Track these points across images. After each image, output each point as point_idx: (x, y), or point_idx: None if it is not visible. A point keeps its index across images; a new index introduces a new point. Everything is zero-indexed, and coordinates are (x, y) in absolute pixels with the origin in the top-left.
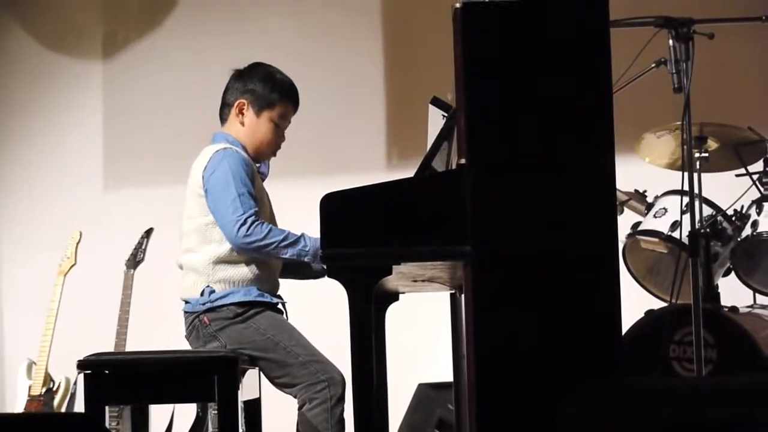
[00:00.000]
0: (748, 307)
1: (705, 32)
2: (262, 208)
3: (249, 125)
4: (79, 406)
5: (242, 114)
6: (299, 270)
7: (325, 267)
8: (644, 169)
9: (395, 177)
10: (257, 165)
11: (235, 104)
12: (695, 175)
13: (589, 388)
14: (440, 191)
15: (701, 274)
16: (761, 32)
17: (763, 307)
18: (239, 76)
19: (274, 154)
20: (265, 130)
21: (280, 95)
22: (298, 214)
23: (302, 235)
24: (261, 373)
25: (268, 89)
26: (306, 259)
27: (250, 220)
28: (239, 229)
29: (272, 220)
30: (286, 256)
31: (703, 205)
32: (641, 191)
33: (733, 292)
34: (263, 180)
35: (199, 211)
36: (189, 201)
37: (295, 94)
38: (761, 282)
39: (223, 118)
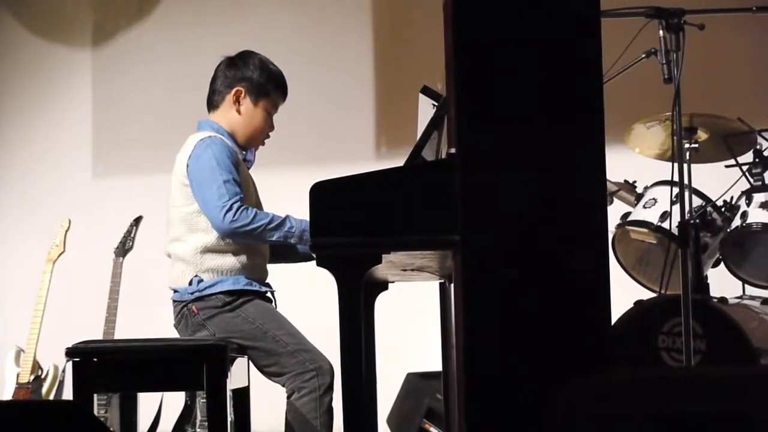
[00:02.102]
0: (737, 298)
1: (695, 23)
2: (247, 196)
3: (246, 113)
4: (68, 394)
5: (239, 102)
6: (286, 254)
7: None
8: (634, 160)
9: (384, 166)
10: (243, 153)
11: (232, 92)
12: (685, 165)
13: (579, 378)
14: (430, 180)
15: (691, 264)
16: (751, 23)
17: (752, 298)
18: (232, 63)
19: (263, 143)
20: (260, 119)
21: (274, 86)
22: (287, 203)
23: (287, 216)
24: (250, 361)
25: (264, 78)
26: (292, 241)
27: (236, 206)
28: (225, 214)
29: (258, 207)
30: (273, 238)
31: (693, 196)
32: (631, 182)
33: (722, 283)
34: (249, 168)
35: (183, 201)
36: (174, 190)
37: (286, 86)
38: (750, 273)
39: (214, 105)
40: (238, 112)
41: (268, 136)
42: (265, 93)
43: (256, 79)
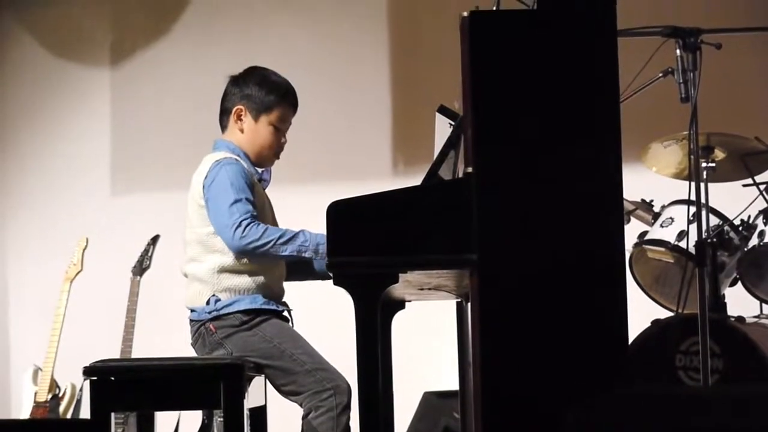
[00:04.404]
0: (754, 317)
1: (712, 42)
2: (263, 216)
3: (248, 131)
4: (85, 413)
5: (240, 120)
6: (303, 271)
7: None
8: (651, 179)
9: (401, 185)
10: (260, 171)
11: (233, 111)
12: (702, 184)
13: (596, 397)
14: (447, 199)
15: (708, 283)
16: None
17: None
18: (235, 81)
19: (277, 157)
20: (265, 135)
21: (277, 98)
22: (304, 221)
23: (301, 231)
24: (267, 380)
25: (264, 93)
26: (307, 255)
27: (245, 223)
28: (234, 232)
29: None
30: (286, 253)
31: (710, 215)
32: (648, 201)
33: (739, 301)
34: (265, 188)
35: (199, 222)
36: (190, 211)
37: (292, 96)
38: None
39: (223, 125)
40: (241, 130)
41: (281, 150)
42: (267, 108)
43: (255, 95)
